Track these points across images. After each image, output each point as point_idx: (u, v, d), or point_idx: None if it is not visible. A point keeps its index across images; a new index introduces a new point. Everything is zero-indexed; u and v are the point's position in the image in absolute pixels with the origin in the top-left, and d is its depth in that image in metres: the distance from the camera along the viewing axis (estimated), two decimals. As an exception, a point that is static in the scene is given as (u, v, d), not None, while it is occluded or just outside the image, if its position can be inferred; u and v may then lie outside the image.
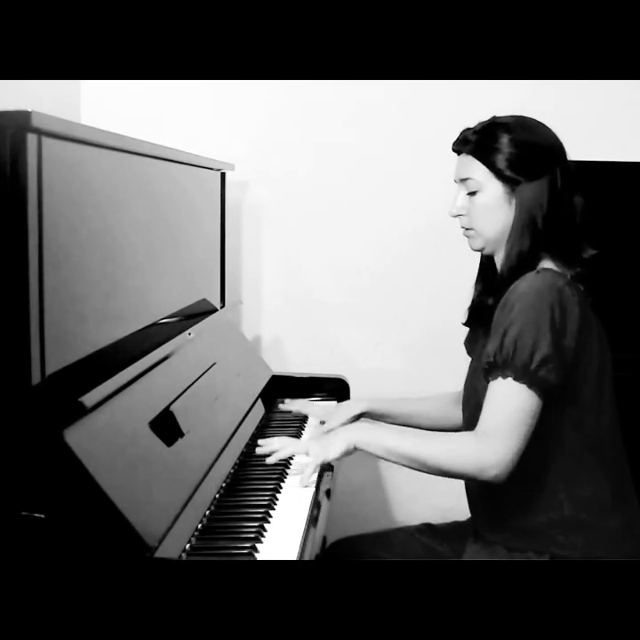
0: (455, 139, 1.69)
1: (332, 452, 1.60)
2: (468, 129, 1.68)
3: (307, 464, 1.64)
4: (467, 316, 1.79)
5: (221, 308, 2.31)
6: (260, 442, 1.72)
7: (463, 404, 1.76)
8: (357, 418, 1.94)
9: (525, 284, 1.52)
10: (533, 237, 1.60)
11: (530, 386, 1.48)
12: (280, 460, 1.68)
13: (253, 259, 2.63)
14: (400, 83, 2.48)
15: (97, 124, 1.48)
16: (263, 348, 2.63)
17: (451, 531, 1.86)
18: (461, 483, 1.75)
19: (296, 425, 2.05)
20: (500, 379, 1.50)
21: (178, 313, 1.87)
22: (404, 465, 1.57)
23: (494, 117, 1.67)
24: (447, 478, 1.57)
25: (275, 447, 1.68)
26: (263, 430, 2.00)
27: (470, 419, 1.70)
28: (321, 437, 1.70)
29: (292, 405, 2.12)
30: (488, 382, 1.53)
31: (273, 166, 2.59)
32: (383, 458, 1.59)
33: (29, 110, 1.11)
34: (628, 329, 2.24)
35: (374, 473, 2.66)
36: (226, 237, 2.36)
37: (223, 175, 2.33)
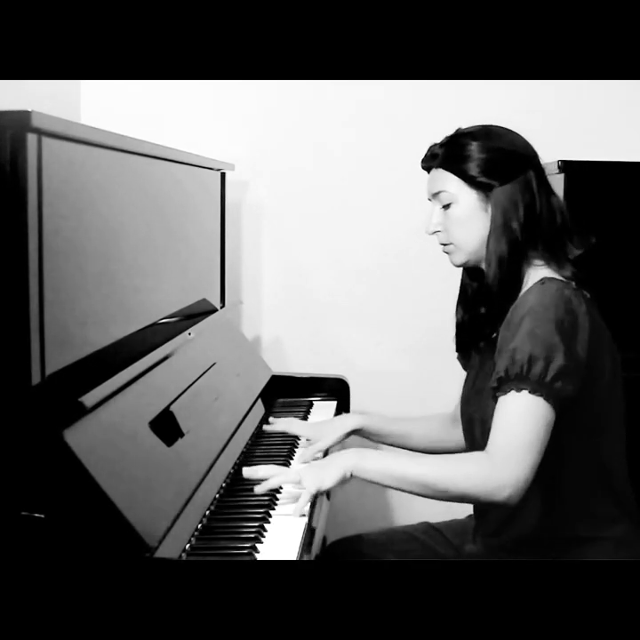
0: (423, 156, 1.67)
1: (327, 481, 1.49)
2: (435, 144, 1.66)
3: (300, 494, 1.51)
4: (456, 339, 1.75)
5: (221, 308, 2.31)
6: (244, 470, 1.57)
7: (462, 417, 1.73)
8: (348, 435, 1.87)
9: (532, 297, 1.50)
10: (511, 241, 1.56)
11: (547, 398, 1.43)
12: (280, 460, 1.66)
13: (253, 259, 2.63)
14: (400, 83, 2.48)
15: (97, 123, 1.47)
16: (263, 348, 2.63)
17: (451, 530, 1.86)
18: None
19: (290, 440, 1.93)
20: (513, 392, 1.45)
21: (178, 313, 1.87)
22: (409, 491, 1.48)
23: (459, 129, 1.66)
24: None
25: (260, 475, 1.54)
26: (263, 431, 1.99)
27: (469, 431, 1.69)
28: (314, 464, 1.59)
29: (277, 424, 1.95)
30: (496, 398, 1.48)
31: (273, 166, 2.59)
32: (384, 485, 1.51)
33: (29, 110, 1.11)
34: (630, 328, 2.24)
35: (374, 473, 2.66)
36: (226, 237, 2.36)
37: (223, 175, 2.33)
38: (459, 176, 1.60)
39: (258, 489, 1.52)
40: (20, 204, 1.13)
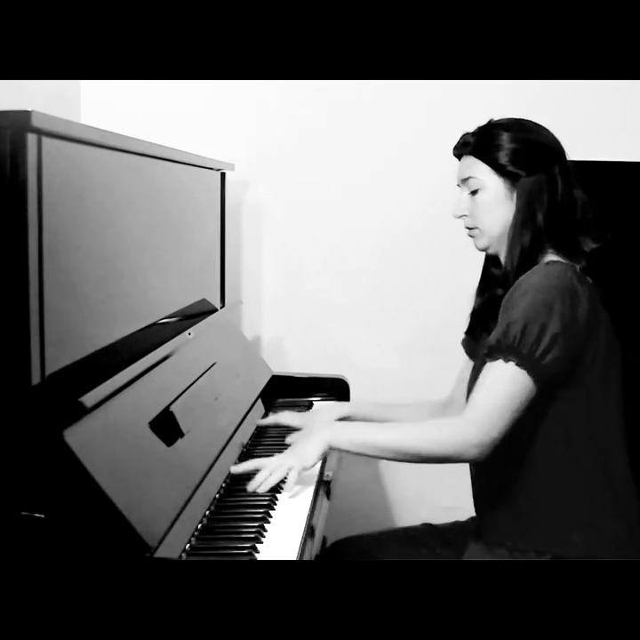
0: (455, 144, 1.73)
1: (309, 458, 1.57)
2: (467, 133, 1.72)
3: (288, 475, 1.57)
4: (469, 322, 1.79)
5: (221, 308, 2.31)
6: (232, 468, 1.64)
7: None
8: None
9: (535, 276, 1.56)
10: (534, 231, 1.63)
11: (530, 373, 1.50)
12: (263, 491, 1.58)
13: (253, 259, 2.63)
14: (400, 83, 2.48)
15: (97, 123, 1.48)
16: (263, 348, 2.63)
17: (451, 531, 1.86)
18: (462, 482, 1.75)
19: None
20: (500, 361, 1.51)
21: (178, 313, 1.87)
22: (388, 459, 1.58)
23: (491, 120, 1.72)
24: (431, 465, 1.60)
25: (246, 466, 1.61)
26: (263, 431, 1.99)
27: None
28: (295, 445, 1.65)
29: (268, 420, 1.97)
30: (485, 362, 1.54)
31: (273, 166, 2.59)
32: (360, 454, 1.59)
33: (29, 110, 1.11)
34: (628, 328, 2.24)
35: (374, 473, 2.66)
36: (226, 237, 2.36)
37: (223, 175, 2.33)
38: (488, 164, 1.66)
39: (251, 486, 1.57)
40: (21, 203, 1.13)
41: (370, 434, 1.59)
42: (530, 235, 1.62)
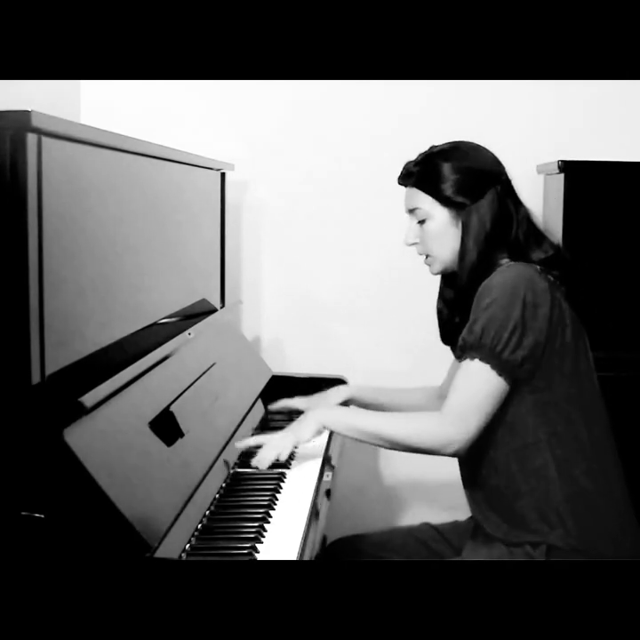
0: (399, 173, 1.77)
1: (304, 433, 1.70)
2: (410, 162, 1.76)
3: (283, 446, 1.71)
4: (440, 335, 1.84)
5: (221, 308, 2.31)
6: (236, 443, 1.76)
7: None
8: (342, 405, 1.98)
9: (498, 276, 1.62)
10: (480, 251, 1.67)
11: (493, 367, 1.56)
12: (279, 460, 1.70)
13: (253, 259, 2.63)
14: (401, 82, 2.48)
15: (97, 123, 1.48)
16: (263, 347, 2.63)
17: (451, 530, 1.86)
18: (461, 482, 1.75)
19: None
20: (468, 360, 1.59)
21: (178, 313, 1.87)
22: (369, 442, 1.66)
23: (432, 147, 1.75)
24: (418, 455, 1.65)
25: (250, 442, 1.75)
26: (263, 431, 2.00)
27: None
28: (293, 424, 1.78)
29: (279, 403, 2.10)
30: (460, 362, 1.62)
31: (273, 166, 2.59)
32: (351, 437, 1.68)
33: (29, 110, 1.11)
34: (628, 328, 2.24)
35: (375, 472, 2.66)
36: (226, 237, 2.36)
37: (223, 175, 2.33)
38: (432, 196, 1.71)
39: (254, 462, 1.69)
40: (20, 203, 1.13)
41: (358, 419, 1.70)
42: (477, 257, 1.67)
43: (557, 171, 2.23)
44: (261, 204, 2.61)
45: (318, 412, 1.75)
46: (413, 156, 1.77)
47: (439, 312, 1.84)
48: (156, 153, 1.71)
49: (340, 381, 2.29)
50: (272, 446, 1.71)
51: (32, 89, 1.91)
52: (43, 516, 1.14)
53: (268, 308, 2.64)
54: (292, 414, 2.05)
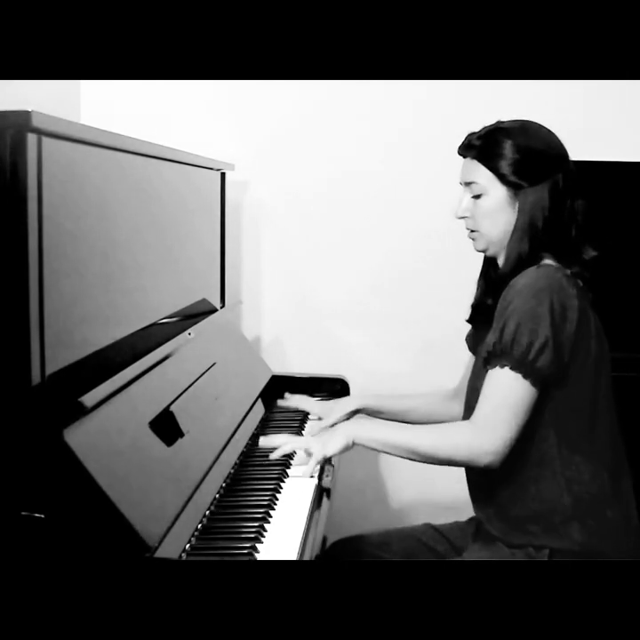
0: (460, 143, 1.72)
1: (331, 447, 1.65)
2: (473, 133, 1.71)
3: (308, 459, 1.68)
4: (470, 313, 1.82)
5: (221, 308, 2.31)
6: (261, 439, 1.77)
7: (466, 402, 1.77)
8: (353, 414, 1.97)
9: (525, 279, 1.57)
10: (533, 240, 1.64)
11: (525, 376, 1.53)
12: (280, 459, 1.71)
13: (253, 259, 2.63)
14: (401, 83, 2.48)
15: (97, 123, 1.47)
16: (263, 348, 2.63)
17: (451, 531, 1.86)
18: (462, 482, 1.75)
19: (296, 425, 2.05)
20: (497, 368, 1.55)
21: (178, 313, 1.87)
22: (402, 457, 1.63)
23: (498, 122, 1.70)
24: (441, 467, 1.63)
25: (276, 442, 1.72)
26: (263, 431, 2.00)
27: (469, 401, 1.73)
28: (321, 434, 1.76)
29: (291, 400, 2.13)
30: (487, 371, 1.58)
31: (273, 166, 2.59)
32: (381, 451, 1.64)
33: (29, 110, 1.11)
34: (628, 328, 2.24)
35: (375, 472, 2.66)
36: (226, 237, 2.36)
37: (223, 175, 2.33)
38: (491, 171, 1.66)
39: (273, 455, 1.70)
40: (20, 203, 1.13)
41: (390, 434, 1.65)
42: (529, 244, 1.64)
43: (557, 171, 2.22)
44: (261, 204, 2.61)
45: (348, 426, 1.72)
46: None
47: (479, 292, 1.79)
48: (155, 153, 1.71)
49: (340, 381, 2.30)
50: (297, 445, 1.70)
51: (32, 89, 1.91)
52: (43, 515, 1.14)
53: (268, 308, 2.64)
54: (292, 413, 2.09)
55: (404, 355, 2.62)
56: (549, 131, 1.70)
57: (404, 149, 2.56)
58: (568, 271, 1.62)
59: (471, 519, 1.83)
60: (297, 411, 2.11)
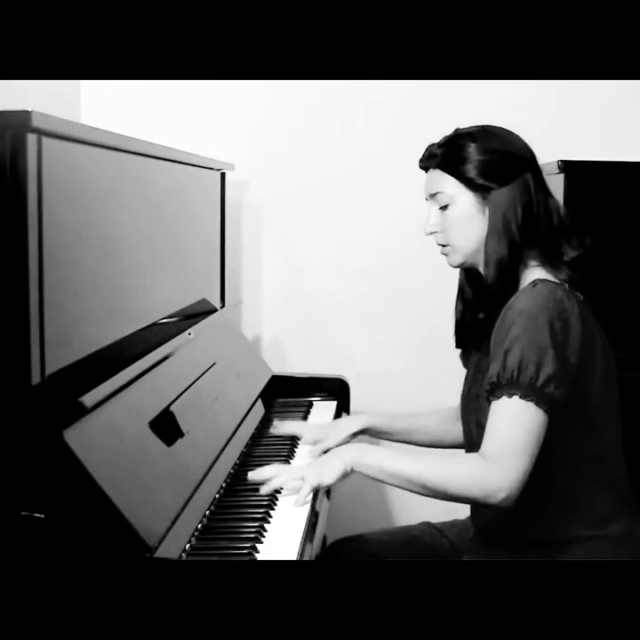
0: (421, 156, 1.67)
1: (328, 476, 1.53)
2: (433, 144, 1.65)
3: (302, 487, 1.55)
4: (455, 338, 1.75)
5: (221, 308, 2.31)
6: (249, 474, 1.59)
7: (462, 418, 1.73)
8: (356, 435, 1.88)
9: (523, 300, 1.49)
10: (510, 245, 1.56)
11: (537, 403, 1.44)
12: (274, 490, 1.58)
13: (253, 259, 2.63)
14: (400, 82, 2.48)
15: (97, 123, 1.48)
16: (263, 347, 2.63)
17: (451, 529, 1.86)
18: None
19: (284, 453, 1.88)
20: (504, 398, 1.45)
21: (178, 313, 1.87)
22: (404, 488, 1.50)
23: (457, 129, 1.65)
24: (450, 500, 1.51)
25: (266, 475, 1.57)
26: (263, 431, 1.99)
27: (468, 433, 1.69)
28: (316, 460, 1.64)
29: (283, 427, 1.96)
30: (490, 402, 1.48)
31: (273, 166, 2.59)
32: (382, 481, 1.53)
33: (29, 110, 1.11)
34: (627, 328, 2.24)
35: (374, 473, 2.66)
36: (226, 237, 2.36)
37: (223, 175, 2.33)
38: (457, 178, 1.59)
39: (264, 489, 1.55)
40: (20, 204, 1.13)
41: (395, 462, 1.51)
42: (507, 249, 1.56)
43: (557, 171, 2.22)
44: (261, 204, 2.61)
45: (346, 452, 1.56)
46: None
47: (458, 313, 1.73)
48: (156, 153, 1.71)
49: (339, 381, 2.30)
50: (289, 477, 1.55)
51: (32, 89, 1.91)
52: (43, 515, 1.14)
53: (268, 308, 2.64)
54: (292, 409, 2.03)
55: (403, 354, 2.62)
56: (513, 133, 1.63)
57: (404, 149, 2.55)
58: (566, 285, 1.55)
59: (471, 518, 1.82)
60: (291, 409, 2.02)
